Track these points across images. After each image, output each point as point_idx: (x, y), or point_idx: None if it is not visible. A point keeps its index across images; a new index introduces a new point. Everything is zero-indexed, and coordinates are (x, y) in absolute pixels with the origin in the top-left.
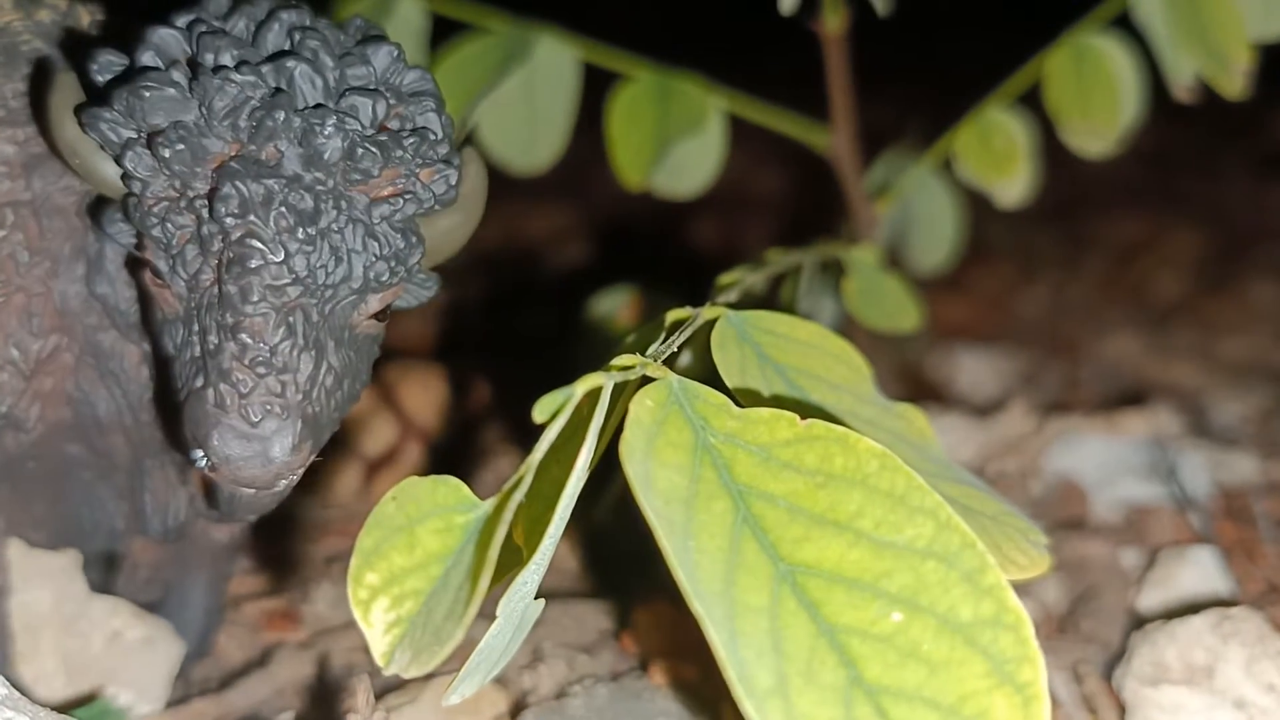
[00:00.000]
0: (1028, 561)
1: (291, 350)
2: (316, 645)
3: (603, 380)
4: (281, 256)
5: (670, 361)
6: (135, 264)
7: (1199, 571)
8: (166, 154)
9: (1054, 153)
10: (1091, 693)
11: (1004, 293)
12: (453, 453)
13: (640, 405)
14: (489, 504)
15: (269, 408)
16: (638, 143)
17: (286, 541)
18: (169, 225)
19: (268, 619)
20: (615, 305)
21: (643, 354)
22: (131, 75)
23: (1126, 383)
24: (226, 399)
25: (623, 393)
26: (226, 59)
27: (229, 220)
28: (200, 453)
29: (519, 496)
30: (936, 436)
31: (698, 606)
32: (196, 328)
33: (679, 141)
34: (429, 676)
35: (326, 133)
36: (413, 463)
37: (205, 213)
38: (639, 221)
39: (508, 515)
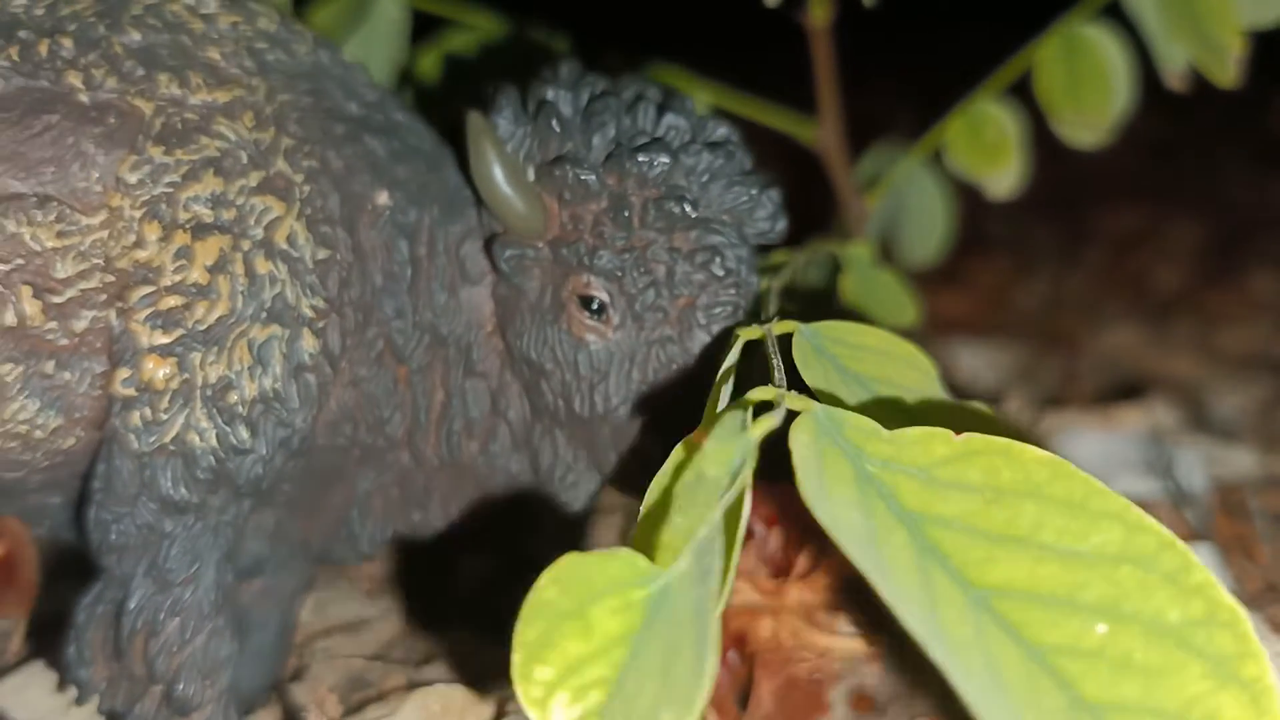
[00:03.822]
0: None
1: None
2: (296, 653)
3: (773, 422)
4: (743, 307)
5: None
6: (520, 296)
7: None
8: (677, 209)
9: (1051, 144)
10: None
11: (1001, 285)
12: None
13: (799, 443)
14: (673, 573)
15: None
16: None
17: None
18: (638, 270)
19: None
20: None
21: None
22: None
23: (1125, 375)
24: None
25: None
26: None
27: (718, 273)
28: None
29: (718, 563)
30: None
31: (937, 653)
32: (638, 357)
33: None
34: (410, 687)
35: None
36: None
37: (679, 262)
38: None
39: (715, 588)
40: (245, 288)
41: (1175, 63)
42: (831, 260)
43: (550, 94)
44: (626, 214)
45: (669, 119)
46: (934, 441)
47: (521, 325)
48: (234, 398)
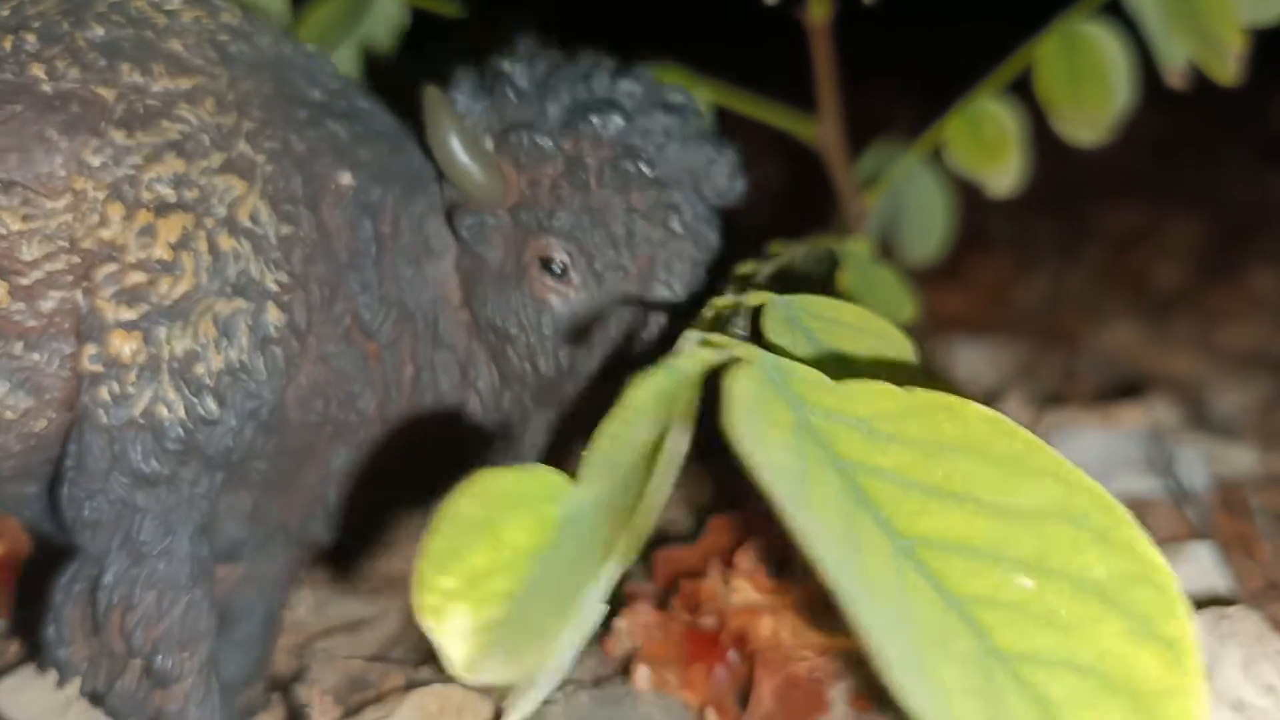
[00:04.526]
0: None
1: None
2: (296, 654)
3: (713, 357)
4: (703, 262)
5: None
6: (483, 264)
7: (1196, 568)
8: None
9: (1051, 141)
10: None
11: (1002, 283)
12: None
13: (738, 385)
14: (588, 492)
15: None
16: None
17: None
18: (597, 230)
19: None
20: None
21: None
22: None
23: (1125, 373)
24: None
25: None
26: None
27: (676, 230)
28: None
29: (634, 482)
30: None
31: (843, 583)
32: (602, 315)
33: None
34: (408, 688)
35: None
36: None
37: (637, 221)
38: None
39: (626, 502)
40: (209, 264)
41: (1175, 60)
42: (829, 255)
43: (506, 66)
44: (583, 175)
45: (624, 84)
46: (879, 394)
47: (485, 293)
48: (200, 370)
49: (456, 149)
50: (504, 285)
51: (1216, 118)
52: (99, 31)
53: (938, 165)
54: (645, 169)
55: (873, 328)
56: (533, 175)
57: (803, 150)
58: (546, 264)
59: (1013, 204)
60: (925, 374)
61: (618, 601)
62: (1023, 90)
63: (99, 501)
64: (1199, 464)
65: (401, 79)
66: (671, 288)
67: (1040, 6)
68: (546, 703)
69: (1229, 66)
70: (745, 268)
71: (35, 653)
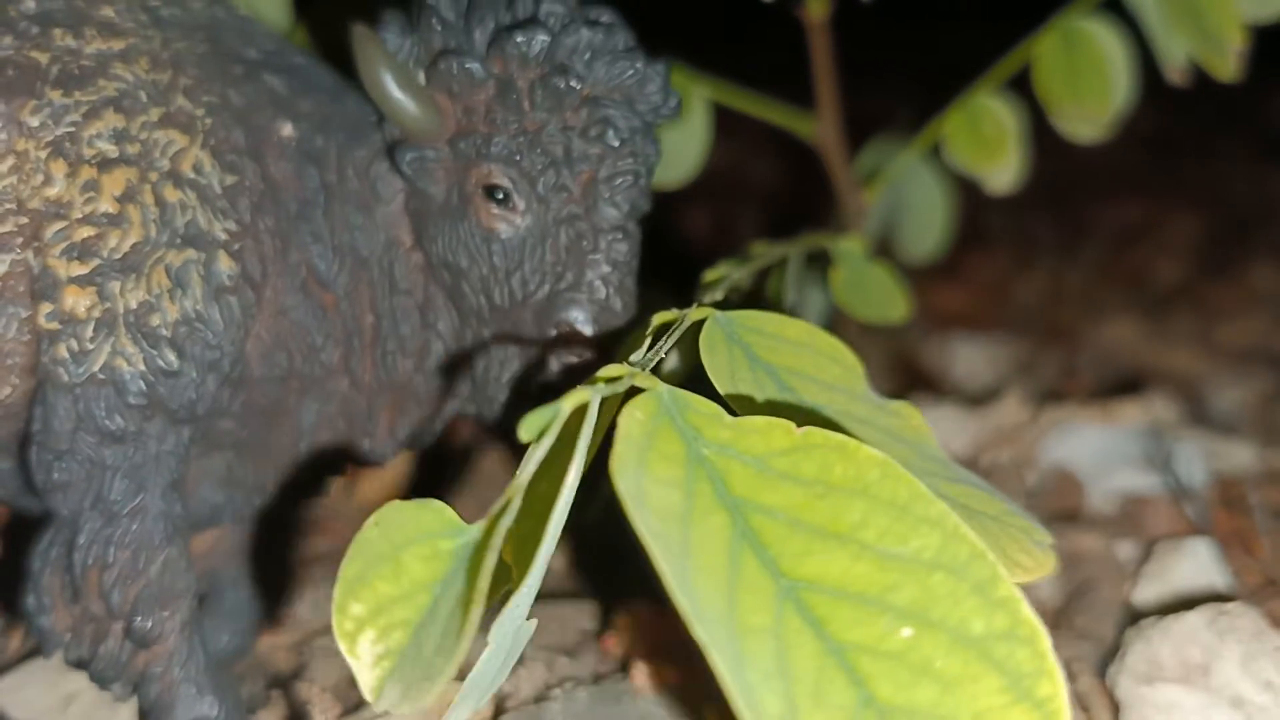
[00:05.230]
0: (1033, 563)
1: (634, 248)
2: (296, 651)
3: (589, 395)
4: (644, 174)
5: (658, 366)
6: (429, 201)
7: (1195, 564)
8: (563, 85)
9: (1050, 138)
10: (1085, 691)
11: (1001, 280)
12: (437, 451)
13: (630, 418)
14: (476, 529)
15: (624, 296)
16: None
17: (266, 542)
18: (535, 152)
19: None
20: None
21: (629, 360)
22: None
23: (1124, 370)
24: (601, 292)
25: (609, 401)
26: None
27: (613, 143)
28: (569, 324)
29: (507, 521)
30: (932, 431)
31: (701, 632)
32: (550, 240)
33: (663, 131)
34: None
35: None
36: (396, 462)
37: (574, 139)
38: None
39: (496, 542)
40: (156, 215)
41: (1175, 57)
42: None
43: (431, 0)
44: (515, 97)
45: (546, 5)
46: (774, 431)
47: (435, 230)
48: (156, 321)
49: (390, 84)
50: (451, 219)
51: (1216, 115)
52: (31, 5)
53: (937, 162)
54: (575, 84)
55: (821, 345)
56: (467, 103)
57: (802, 147)
58: (490, 192)
59: (1012, 201)
60: (865, 397)
61: (617, 599)
62: (1022, 87)
63: (67, 462)
64: (1198, 460)
65: (338, 31)
66: (617, 204)
67: (1039, 3)
68: (545, 700)
69: (1230, 63)
70: (715, 272)
71: (37, 651)
